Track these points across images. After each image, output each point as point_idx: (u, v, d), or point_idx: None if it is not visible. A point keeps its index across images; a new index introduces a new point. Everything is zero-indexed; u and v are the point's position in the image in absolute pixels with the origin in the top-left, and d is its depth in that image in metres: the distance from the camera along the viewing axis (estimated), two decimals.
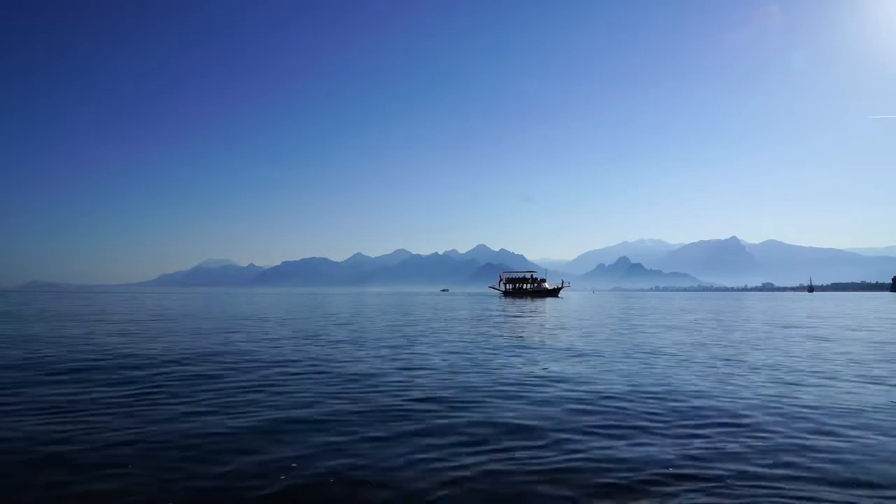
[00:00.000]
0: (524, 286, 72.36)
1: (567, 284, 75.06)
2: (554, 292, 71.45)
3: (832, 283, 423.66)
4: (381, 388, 6.46)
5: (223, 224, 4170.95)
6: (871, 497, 3.28)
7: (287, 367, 8.20)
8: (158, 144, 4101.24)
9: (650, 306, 38.59)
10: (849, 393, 6.40)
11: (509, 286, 73.83)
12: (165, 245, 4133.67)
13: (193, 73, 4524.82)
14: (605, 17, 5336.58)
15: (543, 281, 72.34)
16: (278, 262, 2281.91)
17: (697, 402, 5.80)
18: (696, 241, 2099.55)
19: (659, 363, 8.76)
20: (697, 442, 4.36)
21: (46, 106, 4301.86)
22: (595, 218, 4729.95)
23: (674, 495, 3.26)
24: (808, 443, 4.33)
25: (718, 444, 4.28)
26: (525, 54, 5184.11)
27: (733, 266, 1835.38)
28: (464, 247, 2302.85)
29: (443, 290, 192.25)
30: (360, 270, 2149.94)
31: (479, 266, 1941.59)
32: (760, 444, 4.29)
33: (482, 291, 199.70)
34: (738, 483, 3.45)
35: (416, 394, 6.12)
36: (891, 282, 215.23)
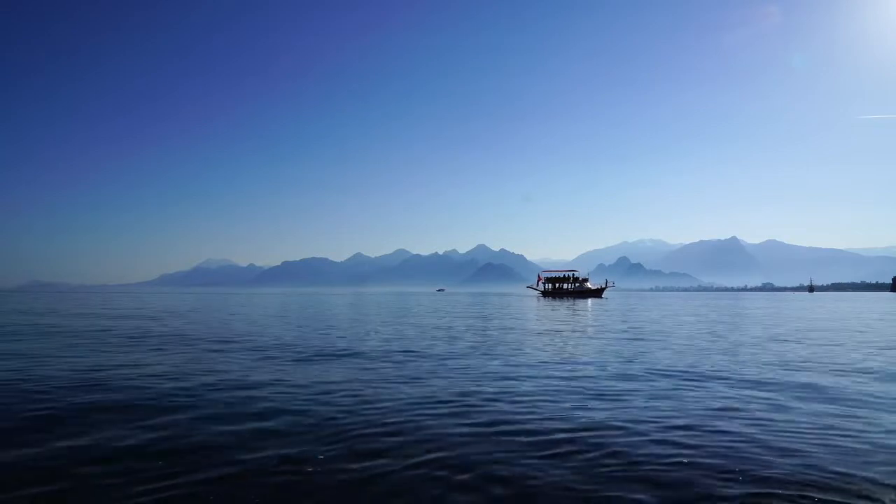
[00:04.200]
0: (565, 286, 68.75)
1: (612, 284, 70.78)
2: (597, 293, 67.21)
3: (832, 283, 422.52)
4: None
5: (223, 224, 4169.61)
6: None
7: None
8: (158, 144, 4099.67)
9: (711, 309, 35.74)
10: None
11: (548, 286, 70.20)
12: (165, 245, 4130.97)
13: (193, 73, 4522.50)
14: (605, 17, 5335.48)
15: (585, 280, 68.51)
16: (278, 262, 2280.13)
17: None
18: (696, 241, 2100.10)
19: None
20: None
21: (46, 106, 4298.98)
22: (595, 218, 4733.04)
23: None
24: None
25: None
26: (525, 54, 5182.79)
27: (733, 266, 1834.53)
28: (464, 247, 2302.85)
29: (438, 290, 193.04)
30: (360, 270, 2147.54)
31: (479, 266, 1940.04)
32: None
33: (483, 291, 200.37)
34: None
35: None
36: (891, 282, 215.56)
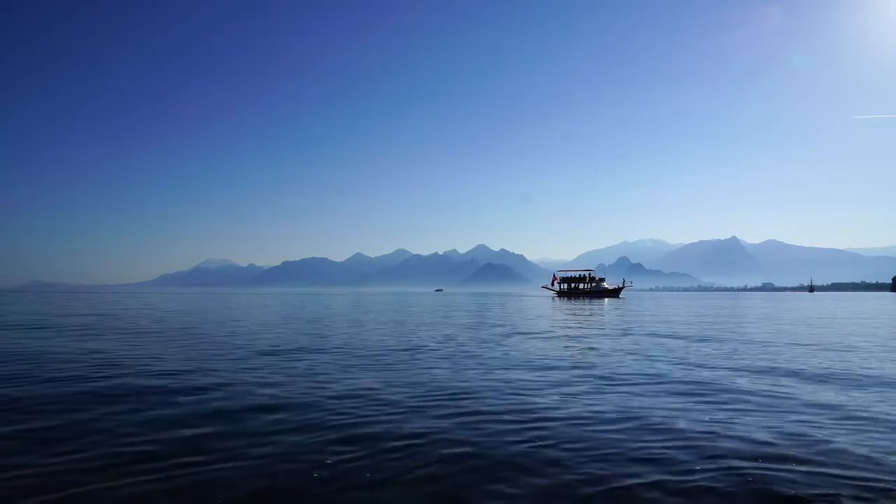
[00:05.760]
0: (581, 286, 67.43)
1: (629, 284, 69.50)
2: (615, 293, 65.90)
3: (832, 283, 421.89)
4: None
5: (223, 224, 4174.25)
6: None
7: None
8: (158, 144, 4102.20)
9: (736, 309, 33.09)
10: None
11: (564, 286, 68.82)
12: (165, 245, 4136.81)
13: (193, 72, 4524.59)
14: (605, 18, 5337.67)
15: (602, 280, 67.37)
16: (278, 262, 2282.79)
17: None
18: (696, 240, 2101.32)
19: None
20: None
21: (46, 106, 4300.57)
22: (595, 218, 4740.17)
23: None
24: None
25: None
26: (525, 54, 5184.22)
27: (733, 266, 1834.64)
28: (464, 247, 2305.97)
29: (437, 291, 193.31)
30: (360, 270, 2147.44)
31: (479, 266, 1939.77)
32: None
33: (484, 291, 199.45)
34: None
35: None
36: (891, 282, 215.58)
